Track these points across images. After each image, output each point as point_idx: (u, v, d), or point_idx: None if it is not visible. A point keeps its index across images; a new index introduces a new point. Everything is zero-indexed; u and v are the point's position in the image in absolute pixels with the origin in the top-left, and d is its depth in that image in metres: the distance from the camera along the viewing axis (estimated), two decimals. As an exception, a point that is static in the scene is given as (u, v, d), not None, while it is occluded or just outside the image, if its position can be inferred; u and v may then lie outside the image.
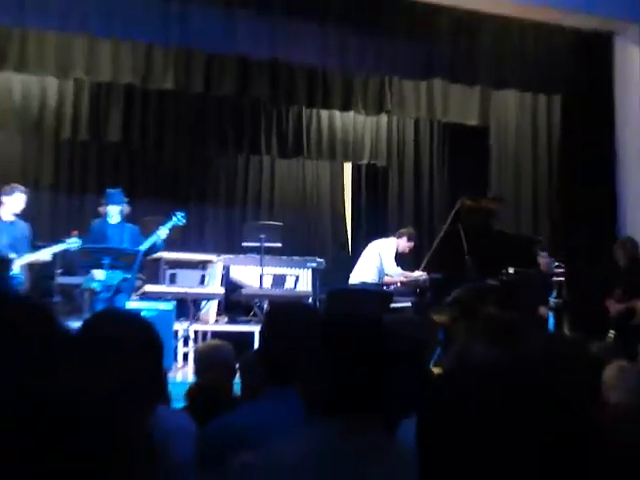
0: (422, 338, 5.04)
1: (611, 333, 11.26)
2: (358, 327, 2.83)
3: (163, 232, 11.96)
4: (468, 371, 1.80)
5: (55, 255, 12.17)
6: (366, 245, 14.07)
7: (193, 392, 5.66)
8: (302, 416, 2.79)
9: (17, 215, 11.70)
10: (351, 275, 14.20)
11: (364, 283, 13.29)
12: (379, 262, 13.38)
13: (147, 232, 12.04)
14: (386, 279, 13.35)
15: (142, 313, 12.17)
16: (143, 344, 3.12)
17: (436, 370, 6.73)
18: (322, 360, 2.73)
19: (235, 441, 3.32)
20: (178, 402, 6.70)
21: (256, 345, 13.35)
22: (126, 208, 12.28)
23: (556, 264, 12.92)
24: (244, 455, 2.62)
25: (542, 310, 12.73)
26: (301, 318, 3.67)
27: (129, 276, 11.89)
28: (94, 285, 11.80)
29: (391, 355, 2.83)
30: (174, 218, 12.14)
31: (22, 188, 11.89)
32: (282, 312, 3.98)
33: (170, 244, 13.94)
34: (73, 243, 11.67)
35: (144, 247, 11.82)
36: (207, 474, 2.84)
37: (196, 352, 6.83)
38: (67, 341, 2.84)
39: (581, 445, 1.60)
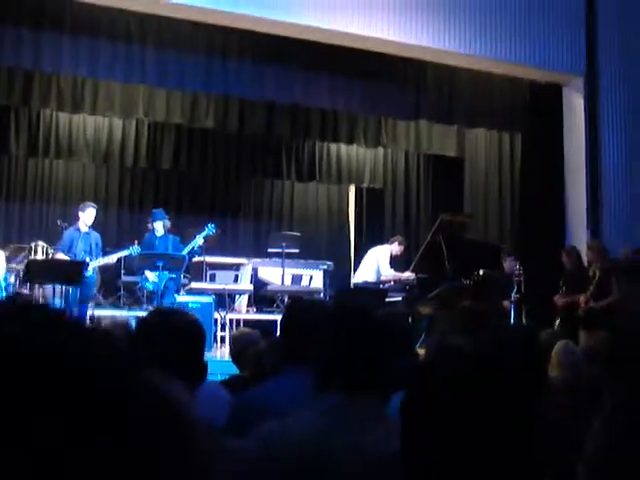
0: (409, 327, 5.02)
1: (557, 322, 11.27)
2: (358, 319, 2.82)
3: (199, 239, 12.03)
4: (446, 355, 1.79)
5: (120, 259, 12.22)
6: (366, 251, 14.05)
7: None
8: (313, 391, 2.77)
9: (90, 227, 11.73)
10: (354, 275, 14.23)
11: (365, 282, 13.27)
12: (377, 265, 13.36)
13: (188, 240, 12.11)
14: (382, 278, 13.31)
15: (189, 305, 12.29)
16: (193, 334, 3.09)
17: (421, 351, 6.71)
18: (330, 345, 2.73)
19: (260, 411, 3.31)
20: (216, 376, 6.72)
21: (278, 331, 13.36)
22: (168, 223, 12.34)
23: (518, 267, 12.89)
24: (268, 423, 2.60)
25: (505, 303, 12.71)
26: (314, 310, 3.65)
27: (174, 276, 11.94)
28: (148, 284, 11.88)
29: (385, 341, 2.82)
30: (207, 229, 12.21)
31: (93, 204, 11.96)
32: (299, 305, 3.96)
33: (210, 250, 14.00)
34: (134, 250, 11.72)
35: (185, 252, 11.89)
36: (238, 437, 2.81)
37: (232, 337, 6.79)
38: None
39: (527, 411, 1.61)
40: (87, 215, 11.66)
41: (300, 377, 3.11)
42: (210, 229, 12.27)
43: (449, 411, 1.59)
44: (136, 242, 12.58)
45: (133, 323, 10.17)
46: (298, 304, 4.01)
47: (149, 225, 12.38)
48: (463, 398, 1.60)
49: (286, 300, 14.58)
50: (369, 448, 2.40)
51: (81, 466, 1.02)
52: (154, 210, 12.79)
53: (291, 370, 3.50)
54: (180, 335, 2.92)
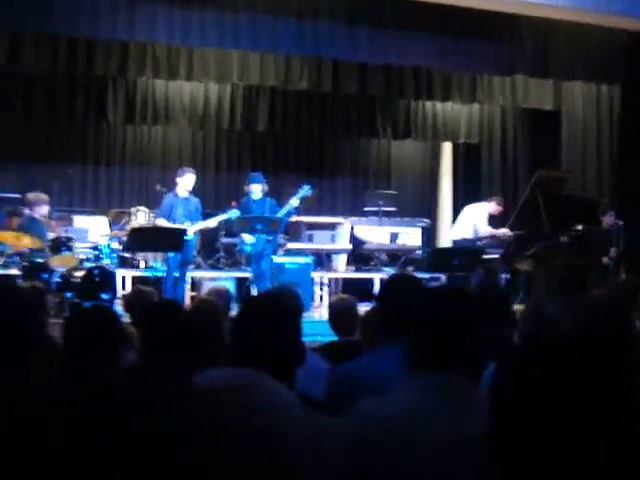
0: (505, 297, 5.00)
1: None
2: (450, 297, 2.85)
3: (294, 201, 12.05)
4: (539, 332, 1.81)
5: (219, 222, 12.38)
6: (463, 207, 14.00)
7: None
8: (407, 369, 2.80)
9: (189, 192, 11.89)
10: (451, 232, 14.20)
11: (463, 239, 13.23)
12: (474, 222, 13.28)
13: (285, 202, 12.16)
14: (479, 235, 13.25)
15: (286, 266, 12.43)
16: (293, 319, 3.14)
17: (518, 308, 6.67)
18: (425, 324, 2.76)
19: (357, 385, 3.38)
20: (315, 337, 6.78)
21: (376, 288, 13.46)
22: (265, 186, 12.40)
23: (617, 222, 12.72)
24: (364, 401, 2.65)
25: (604, 259, 12.56)
26: (412, 288, 3.69)
27: (271, 238, 12.05)
28: (246, 246, 12.01)
29: (480, 320, 2.84)
30: (302, 190, 12.22)
31: (191, 169, 12.11)
32: (397, 281, 4.01)
33: (308, 210, 14.10)
34: (233, 213, 11.86)
35: (281, 214, 11.95)
36: (334, 413, 2.87)
37: (329, 303, 6.86)
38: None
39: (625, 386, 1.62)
40: (185, 180, 11.80)
41: (396, 353, 3.15)
42: (306, 190, 12.27)
43: (541, 391, 1.60)
44: (235, 204, 12.75)
45: (233, 289, 10.39)
46: (396, 280, 4.05)
47: (246, 188, 12.48)
48: (556, 378, 1.61)
49: (384, 258, 14.67)
50: (463, 429, 2.43)
51: None
52: (251, 173, 12.89)
53: (387, 345, 3.54)
54: (280, 321, 2.98)
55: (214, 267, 14.05)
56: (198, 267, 13.49)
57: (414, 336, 2.77)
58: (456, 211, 15.40)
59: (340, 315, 5.89)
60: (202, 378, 2.74)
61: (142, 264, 13.52)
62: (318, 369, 4.13)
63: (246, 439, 1.08)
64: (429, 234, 15.73)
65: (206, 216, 12.08)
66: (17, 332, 2.35)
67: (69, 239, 11.28)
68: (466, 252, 12.25)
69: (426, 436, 2.47)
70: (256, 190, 12.21)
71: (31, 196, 11.69)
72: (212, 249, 14.54)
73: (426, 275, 12.54)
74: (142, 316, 4.29)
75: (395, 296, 3.69)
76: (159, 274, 11.47)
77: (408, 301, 3.32)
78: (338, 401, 3.28)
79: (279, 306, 3.06)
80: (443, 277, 12.82)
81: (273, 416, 2.48)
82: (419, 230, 15.16)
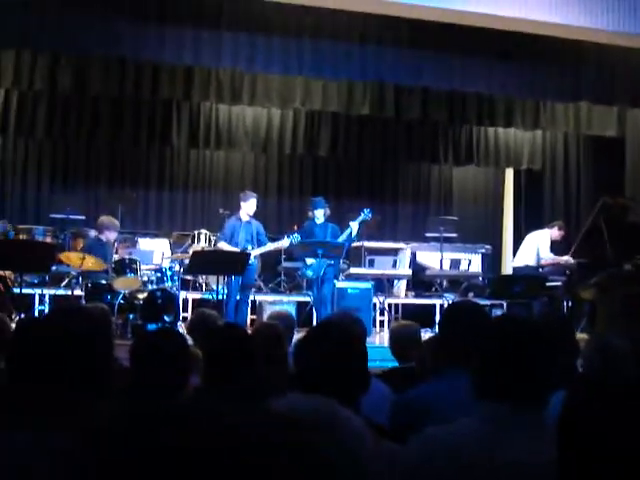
0: (570, 328, 4.96)
1: None
2: (519, 327, 2.83)
3: (354, 225, 12.12)
4: (605, 365, 1.80)
5: (281, 246, 12.46)
6: (525, 234, 13.93)
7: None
8: (473, 397, 2.79)
9: (251, 216, 11.99)
10: (514, 259, 14.11)
11: (525, 266, 13.14)
12: (536, 249, 13.18)
13: (346, 227, 12.21)
14: (542, 262, 13.15)
15: (348, 291, 12.44)
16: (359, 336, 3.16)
17: (581, 336, 6.62)
18: (491, 351, 2.75)
19: (421, 412, 3.37)
20: (374, 363, 6.78)
21: (437, 315, 13.46)
22: (327, 211, 12.46)
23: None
24: (429, 428, 2.65)
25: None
26: (475, 314, 3.69)
27: (333, 262, 12.09)
28: (308, 271, 12.07)
29: (547, 348, 2.82)
30: (363, 214, 12.29)
31: (254, 194, 12.21)
32: (459, 308, 4.00)
33: (369, 235, 14.15)
34: (294, 237, 11.92)
35: (342, 238, 12.01)
36: (398, 439, 2.87)
37: (390, 329, 6.86)
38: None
39: None
40: (249, 205, 11.93)
41: (460, 380, 3.14)
42: (366, 214, 12.34)
43: (611, 425, 1.60)
44: (296, 229, 12.83)
45: (293, 313, 10.43)
46: (458, 307, 4.05)
47: (310, 213, 12.55)
48: (626, 413, 1.60)
49: (444, 284, 14.63)
50: (530, 458, 2.42)
51: None
52: (314, 198, 12.97)
53: (451, 373, 3.54)
54: (346, 347, 2.99)
55: (275, 291, 14.13)
56: (259, 291, 13.57)
57: (480, 365, 2.76)
58: (518, 237, 15.32)
59: (401, 341, 5.88)
60: (276, 405, 2.73)
61: (203, 287, 13.64)
62: (381, 395, 4.14)
63: (327, 468, 1.09)
64: (490, 260, 15.66)
65: (268, 240, 12.16)
66: (86, 351, 2.39)
67: (133, 261, 11.43)
68: (528, 279, 12.15)
69: (492, 465, 2.45)
70: (318, 215, 12.29)
71: (105, 220, 11.85)
72: (273, 273, 14.63)
73: (487, 302, 12.49)
74: (207, 339, 4.33)
75: (458, 323, 3.68)
76: (220, 297, 11.59)
77: (471, 329, 3.32)
78: (402, 427, 3.28)
79: (345, 332, 3.07)
80: (505, 304, 12.76)
81: (350, 445, 2.49)
82: (480, 256, 15.13)
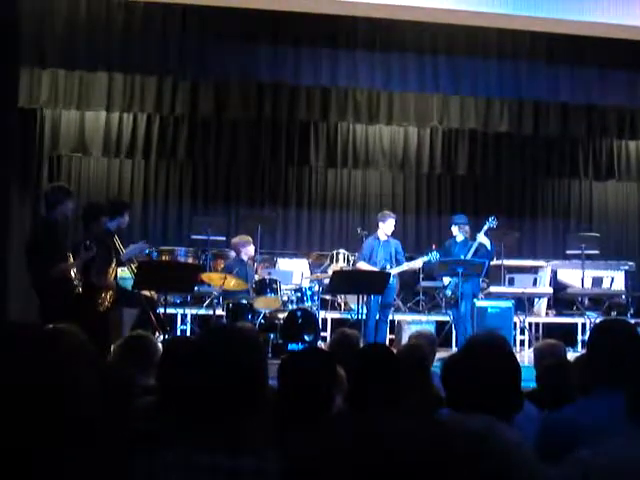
0: None
1: None
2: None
3: (481, 236, 12.04)
4: None
5: (420, 265, 12.46)
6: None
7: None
8: (627, 415, 2.72)
9: (389, 235, 12.03)
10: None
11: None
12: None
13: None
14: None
15: (488, 310, 12.32)
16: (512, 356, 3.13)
17: None
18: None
19: (572, 433, 3.31)
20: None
21: (579, 334, 13.21)
22: (467, 228, 12.39)
23: None
24: (584, 450, 2.60)
25: None
26: (624, 332, 3.61)
27: (472, 281, 12.02)
28: (447, 291, 12.02)
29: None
30: (487, 222, 12.20)
31: (392, 215, 12.24)
32: (609, 329, 3.90)
33: (508, 254, 14.00)
34: (433, 256, 11.90)
35: (469, 255, 11.95)
36: (550, 460, 2.82)
37: (534, 349, 6.76)
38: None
39: None
40: (387, 225, 11.98)
41: (611, 399, 3.08)
42: (490, 222, 12.27)
43: None
44: (435, 247, 12.80)
45: (433, 331, 10.38)
46: (609, 326, 3.95)
47: (454, 230, 12.55)
48: None
49: (586, 302, 14.34)
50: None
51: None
52: (454, 215, 12.97)
53: (601, 391, 3.46)
54: (499, 367, 2.98)
55: (413, 310, 14.09)
56: (397, 310, 13.55)
57: (635, 385, 2.70)
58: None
59: (547, 360, 5.78)
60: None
61: (342, 306, 13.70)
62: (528, 414, 4.08)
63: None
64: (634, 278, 15.26)
65: (407, 259, 12.17)
66: (247, 374, 2.42)
67: (273, 281, 11.58)
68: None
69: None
70: (457, 232, 12.26)
71: (235, 240, 12.14)
72: (412, 292, 14.60)
73: (631, 320, 12.20)
74: (351, 359, 4.34)
75: (609, 342, 3.61)
76: (360, 317, 11.63)
77: (623, 348, 3.25)
78: (553, 447, 3.23)
79: (498, 350, 3.05)
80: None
81: (519, 464, 2.47)
82: (623, 274, 14.77)
